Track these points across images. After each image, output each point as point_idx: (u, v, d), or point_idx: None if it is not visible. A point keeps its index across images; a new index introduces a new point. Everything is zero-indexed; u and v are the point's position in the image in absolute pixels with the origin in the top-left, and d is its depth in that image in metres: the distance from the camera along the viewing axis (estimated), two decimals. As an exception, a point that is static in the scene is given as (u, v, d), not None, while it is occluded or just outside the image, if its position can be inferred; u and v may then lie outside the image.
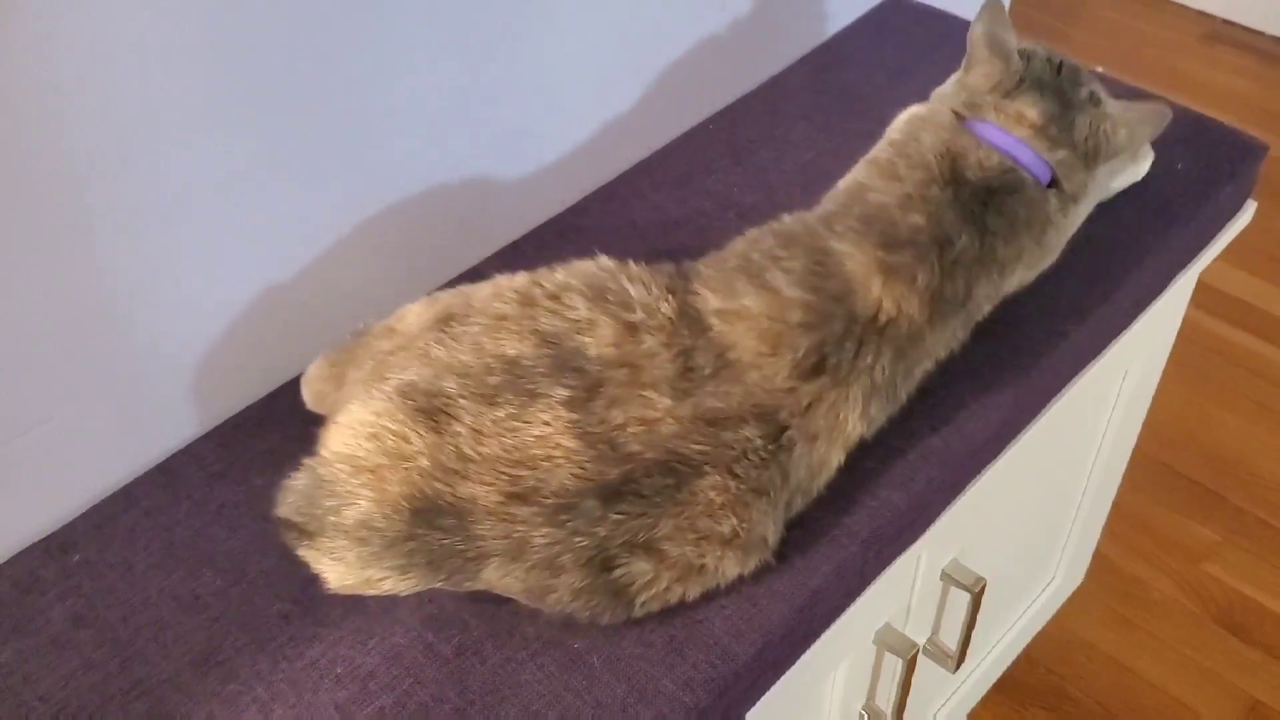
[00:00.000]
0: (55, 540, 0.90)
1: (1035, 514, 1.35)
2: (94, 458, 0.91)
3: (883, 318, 0.85)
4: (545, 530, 0.76)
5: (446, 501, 0.75)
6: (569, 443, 0.77)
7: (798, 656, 0.89)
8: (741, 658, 0.81)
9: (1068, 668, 1.70)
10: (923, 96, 1.21)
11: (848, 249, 0.86)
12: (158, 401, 0.93)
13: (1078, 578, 1.64)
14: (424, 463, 0.75)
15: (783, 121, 1.24)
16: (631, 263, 0.88)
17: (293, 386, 0.99)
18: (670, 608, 0.82)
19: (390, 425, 0.76)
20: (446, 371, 0.79)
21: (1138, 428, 1.46)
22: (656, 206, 1.15)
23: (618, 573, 0.78)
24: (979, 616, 1.15)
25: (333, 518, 0.76)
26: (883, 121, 1.21)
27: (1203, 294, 2.13)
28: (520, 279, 0.86)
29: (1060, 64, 0.97)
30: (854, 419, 0.85)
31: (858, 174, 0.95)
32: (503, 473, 0.76)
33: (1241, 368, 2.07)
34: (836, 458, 0.86)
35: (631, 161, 1.20)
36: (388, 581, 0.77)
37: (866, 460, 0.90)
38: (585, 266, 0.87)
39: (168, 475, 0.94)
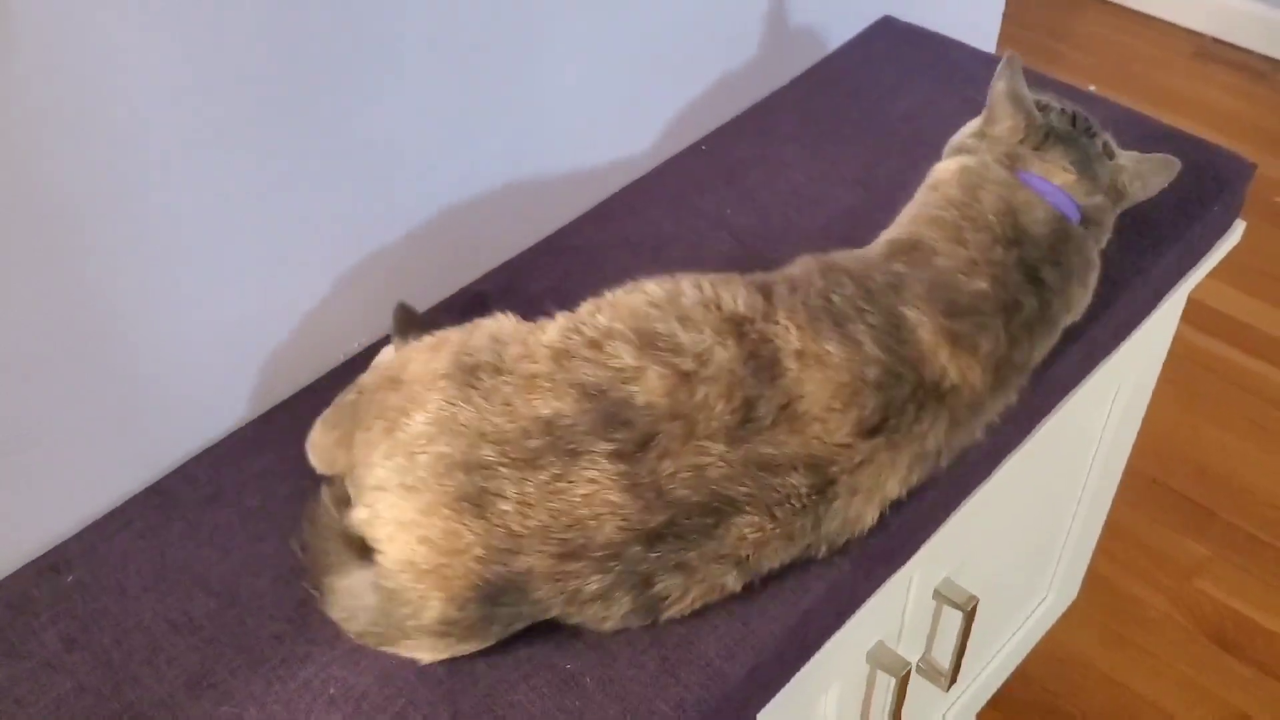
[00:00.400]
0: (48, 561, 0.90)
1: (1028, 532, 1.36)
2: (87, 478, 0.91)
3: (945, 384, 0.85)
4: (595, 577, 0.77)
5: (505, 580, 0.77)
6: (615, 497, 0.77)
7: (790, 676, 0.89)
8: (734, 678, 0.81)
9: (1062, 684, 1.70)
10: (913, 117, 1.22)
11: (917, 316, 0.86)
12: (151, 422, 0.93)
13: (1071, 594, 1.64)
14: (479, 551, 0.76)
15: (774, 142, 1.25)
16: (687, 288, 0.85)
17: (285, 407, 1.00)
18: (660, 629, 0.83)
19: (438, 523, 0.77)
20: (480, 439, 0.78)
21: (1130, 445, 1.47)
22: (649, 225, 1.15)
23: (657, 588, 0.79)
24: (972, 634, 1.15)
25: (411, 622, 0.78)
26: (871, 142, 1.22)
27: (1194, 311, 2.14)
28: (553, 331, 0.83)
29: (1074, 116, 0.99)
30: (894, 482, 0.85)
31: (921, 229, 0.93)
32: (552, 538, 0.77)
33: (1233, 385, 2.08)
34: (871, 516, 0.85)
35: (626, 181, 1.21)
36: (476, 647, 0.81)
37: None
38: (633, 303, 0.84)
39: (161, 496, 0.94)
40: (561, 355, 0.81)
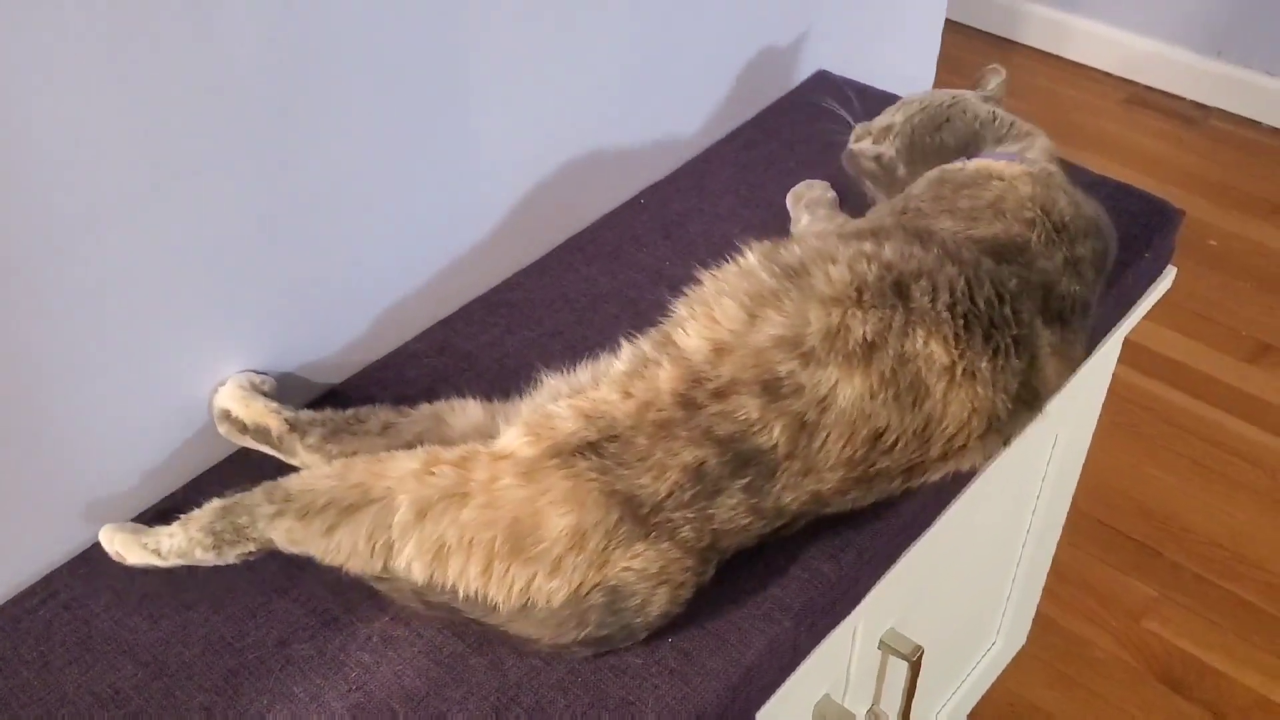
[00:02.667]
0: (-32, 636, 0.87)
1: (973, 579, 1.36)
2: (9, 549, 0.89)
3: (1046, 396, 0.94)
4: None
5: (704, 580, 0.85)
6: (745, 520, 0.84)
7: (734, 734, 0.88)
8: (675, 739, 0.80)
9: (1013, 730, 1.70)
10: (846, 170, 1.22)
11: (1042, 327, 0.92)
12: (78, 490, 0.91)
13: (1020, 639, 1.64)
14: (689, 562, 0.83)
15: (712, 195, 1.25)
16: (814, 317, 0.84)
17: (215, 473, 0.98)
18: (601, 690, 0.81)
19: (651, 551, 0.82)
20: (636, 504, 0.82)
21: (1071, 490, 1.48)
22: (587, 280, 1.15)
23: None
24: (921, 683, 1.15)
25: (639, 618, 0.82)
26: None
27: (1133, 353, 2.17)
28: (668, 377, 0.85)
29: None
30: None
31: (1024, 231, 0.96)
32: (712, 549, 0.85)
33: (1174, 425, 2.10)
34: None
35: (564, 236, 1.21)
36: None
37: (796, 532, 0.89)
38: (756, 342, 0.85)
39: (89, 565, 0.92)
40: (689, 403, 0.84)
